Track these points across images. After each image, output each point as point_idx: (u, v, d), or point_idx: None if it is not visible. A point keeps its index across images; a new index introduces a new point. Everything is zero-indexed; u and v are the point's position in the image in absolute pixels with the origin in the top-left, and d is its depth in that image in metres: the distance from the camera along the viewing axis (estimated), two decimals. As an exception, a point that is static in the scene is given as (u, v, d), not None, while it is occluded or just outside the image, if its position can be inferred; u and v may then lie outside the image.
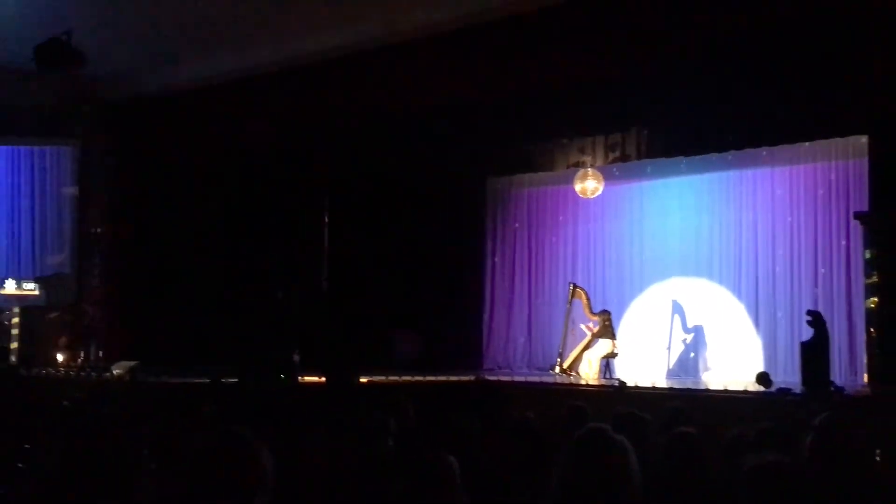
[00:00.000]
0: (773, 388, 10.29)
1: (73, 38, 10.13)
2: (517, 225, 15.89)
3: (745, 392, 10.47)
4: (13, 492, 4.26)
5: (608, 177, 13.78)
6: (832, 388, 9.72)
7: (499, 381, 12.27)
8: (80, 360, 14.47)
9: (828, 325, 10.37)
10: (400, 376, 12.40)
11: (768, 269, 13.35)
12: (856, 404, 9.37)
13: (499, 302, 15.84)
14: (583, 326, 13.52)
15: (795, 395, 9.67)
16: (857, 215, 11.32)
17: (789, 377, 11.52)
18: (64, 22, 10.13)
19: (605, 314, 13.34)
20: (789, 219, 13.21)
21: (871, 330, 10.44)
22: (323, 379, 11.33)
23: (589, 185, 13.61)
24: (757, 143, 12.40)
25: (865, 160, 11.18)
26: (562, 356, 13.69)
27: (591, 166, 13.56)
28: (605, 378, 12.75)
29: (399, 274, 15.25)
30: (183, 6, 11.62)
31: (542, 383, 12.37)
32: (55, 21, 10.15)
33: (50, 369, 13.83)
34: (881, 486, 4.00)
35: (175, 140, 14.96)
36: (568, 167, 14.01)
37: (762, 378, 10.57)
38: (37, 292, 14.92)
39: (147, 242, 15.31)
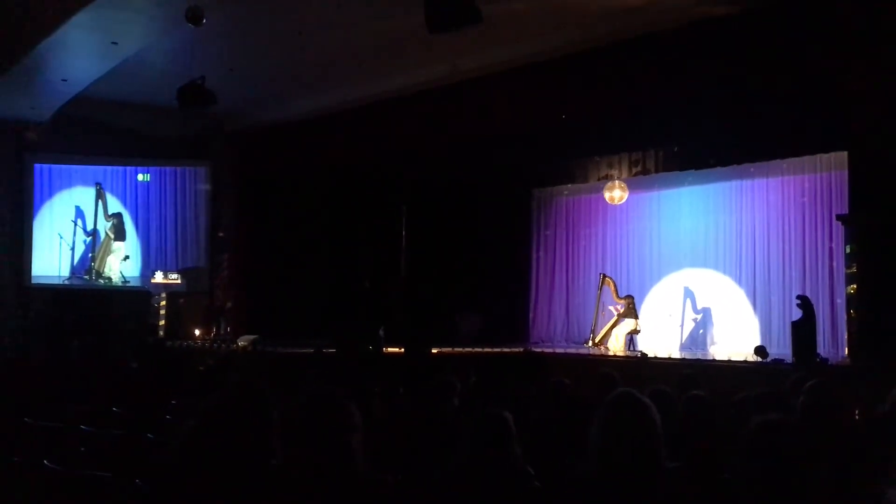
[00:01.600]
0: (768, 359, 10.10)
1: (206, 81, 10.29)
2: (559, 226, 15.77)
3: (746, 362, 10.26)
4: (163, 439, 4.32)
5: (632, 187, 13.64)
6: (818, 360, 9.50)
7: (542, 353, 12.17)
8: (212, 334, 14.73)
9: (814, 307, 10.12)
10: (463, 348, 12.41)
11: (764, 261, 13.08)
12: (838, 372, 9.11)
13: (542, 289, 15.75)
14: (611, 308, 13.37)
15: (787, 364, 9.45)
16: (839, 217, 10.99)
17: (782, 350, 11.27)
18: (199, 69, 10.30)
19: (630, 298, 13.20)
20: (782, 220, 12.93)
21: (851, 311, 10.12)
22: (402, 350, 11.37)
23: (616, 193, 13.51)
24: (754, 158, 12.23)
25: (845, 171, 10.86)
26: (594, 332, 13.57)
27: (618, 178, 13.45)
28: (629, 350, 12.60)
29: (463, 266, 15.24)
30: (292, 56, 11.79)
31: (577, 354, 12.27)
32: (192, 68, 10.32)
33: (189, 341, 14.11)
34: (860, 438, 3.90)
35: (286, 161, 15.16)
36: (598, 179, 13.90)
37: (759, 350, 10.37)
38: (179, 281, 15.23)
39: (265, 242, 15.55)
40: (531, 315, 15.68)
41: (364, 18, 10.30)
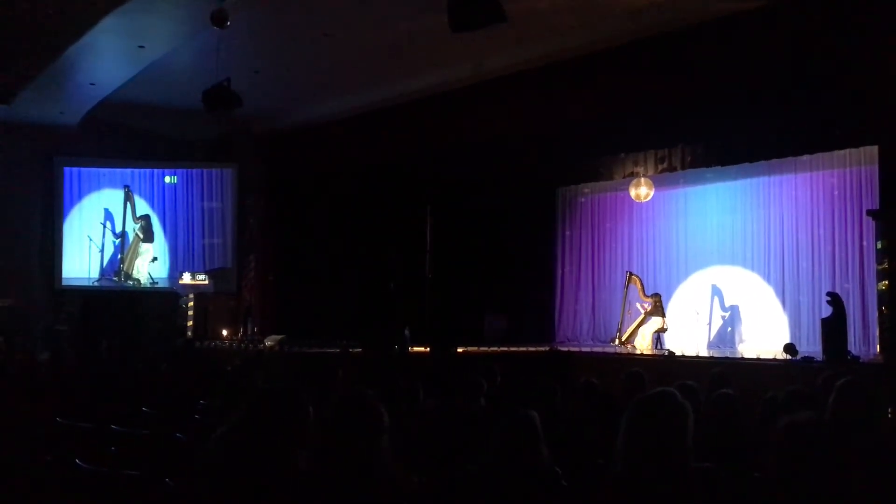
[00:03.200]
0: (798, 357, 9.98)
1: (231, 84, 10.37)
2: (584, 225, 15.70)
3: (775, 360, 10.15)
4: (192, 438, 4.36)
5: (658, 184, 13.54)
6: (849, 357, 9.38)
7: (569, 352, 12.11)
8: (239, 335, 14.86)
9: (844, 304, 9.99)
10: (489, 348, 12.40)
11: (793, 258, 12.94)
12: (870, 370, 8.99)
13: (568, 288, 15.69)
14: (638, 306, 13.30)
15: (818, 362, 9.34)
16: (870, 212, 10.84)
17: (812, 348, 11.15)
18: (224, 72, 10.37)
19: (657, 296, 13.12)
20: (811, 216, 12.79)
21: (883, 308, 9.97)
22: (428, 349, 11.39)
23: (642, 191, 13.41)
24: (782, 153, 12.04)
25: (876, 166, 10.70)
26: (620, 331, 13.50)
27: (644, 175, 13.35)
28: (656, 349, 12.52)
29: (488, 266, 15.23)
30: (317, 58, 11.84)
31: (604, 353, 12.20)
32: (218, 71, 10.40)
33: (217, 342, 14.23)
34: (894, 437, 3.84)
35: (312, 162, 15.24)
36: (624, 177, 13.80)
37: (789, 348, 10.26)
38: (207, 282, 15.36)
39: (291, 243, 15.65)
40: (557, 314, 15.63)
41: (388, 19, 10.32)
